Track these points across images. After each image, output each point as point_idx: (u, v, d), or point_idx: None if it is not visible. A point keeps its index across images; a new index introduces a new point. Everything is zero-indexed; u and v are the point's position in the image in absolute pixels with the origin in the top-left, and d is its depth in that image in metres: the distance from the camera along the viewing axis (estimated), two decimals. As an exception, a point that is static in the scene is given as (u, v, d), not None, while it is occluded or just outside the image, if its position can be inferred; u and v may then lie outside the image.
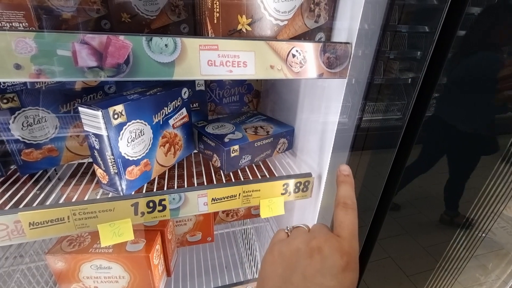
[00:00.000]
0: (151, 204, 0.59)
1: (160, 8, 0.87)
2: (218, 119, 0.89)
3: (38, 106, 0.65)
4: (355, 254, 0.30)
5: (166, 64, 0.45)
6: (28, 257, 0.96)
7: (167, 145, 0.71)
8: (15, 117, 0.62)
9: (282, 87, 0.93)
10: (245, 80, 1.05)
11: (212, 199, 0.63)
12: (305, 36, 0.57)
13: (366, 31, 0.58)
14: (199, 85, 0.84)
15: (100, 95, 0.75)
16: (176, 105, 0.71)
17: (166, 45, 0.44)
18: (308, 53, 0.52)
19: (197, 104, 0.86)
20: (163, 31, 0.89)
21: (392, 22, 0.69)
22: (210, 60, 0.47)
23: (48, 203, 0.59)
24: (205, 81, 0.91)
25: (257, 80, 1.06)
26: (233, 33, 0.50)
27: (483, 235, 0.99)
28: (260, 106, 1.11)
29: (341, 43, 0.53)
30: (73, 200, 0.60)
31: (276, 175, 0.77)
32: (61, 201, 0.59)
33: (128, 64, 0.43)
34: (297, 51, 0.50)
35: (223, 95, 1.04)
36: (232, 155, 0.72)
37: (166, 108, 0.67)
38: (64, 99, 0.69)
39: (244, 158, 0.75)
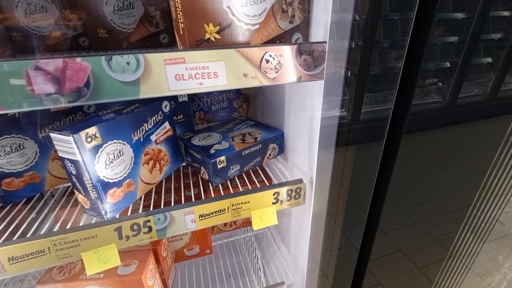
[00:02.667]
0: (135, 227, 0.57)
1: (137, 20, 0.85)
2: (205, 129, 0.87)
3: (15, 133, 0.63)
4: None
5: (131, 83, 0.42)
6: (26, 283, 0.95)
7: (151, 162, 0.68)
8: (-10, 148, 0.60)
9: (269, 90, 0.90)
10: (232, 85, 1.02)
11: (200, 215, 0.61)
12: (281, 38, 0.54)
13: (343, 24, 0.55)
14: (181, 96, 0.81)
15: (79, 116, 0.73)
16: (157, 120, 0.69)
17: (128, 63, 0.41)
18: (283, 57, 0.49)
19: (181, 115, 0.84)
20: (142, 43, 0.87)
21: (374, 11, 0.66)
22: (177, 74, 0.44)
23: (31, 232, 0.57)
24: (189, 90, 0.88)
25: (244, 84, 1.03)
26: (201, 43, 0.48)
27: (491, 225, 0.95)
28: (251, 110, 1.08)
29: (317, 42, 0.50)
30: (56, 228, 0.58)
31: (267, 184, 0.74)
32: (42, 232, 0.57)
33: (89, 87, 0.41)
34: (270, 56, 0.48)
35: (211, 102, 1.02)
36: (219, 166, 0.69)
37: (146, 124, 0.65)
38: (42, 123, 0.67)
39: (233, 169, 0.72)
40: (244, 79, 0.47)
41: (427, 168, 0.82)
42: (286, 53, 0.48)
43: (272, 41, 0.53)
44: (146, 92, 0.43)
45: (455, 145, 0.84)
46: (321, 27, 0.53)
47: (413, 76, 0.59)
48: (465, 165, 0.88)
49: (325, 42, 0.50)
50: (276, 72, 0.49)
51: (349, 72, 0.64)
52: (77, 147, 0.50)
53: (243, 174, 0.78)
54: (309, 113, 0.65)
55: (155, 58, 0.42)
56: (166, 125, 0.72)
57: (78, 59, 0.39)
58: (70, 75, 0.39)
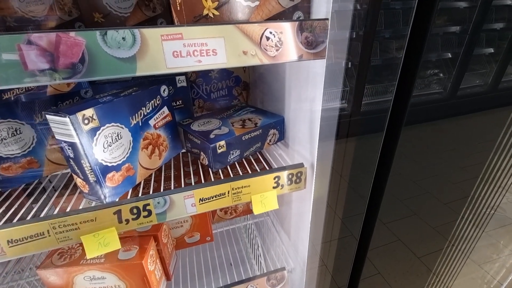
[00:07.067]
0: (135, 211, 0.56)
1: (134, 4, 0.83)
2: (204, 115, 0.85)
3: (11, 118, 0.62)
4: None
5: (127, 60, 0.41)
6: (28, 271, 0.95)
7: (150, 147, 0.67)
8: (-14, 132, 0.59)
9: (269, 76, 0.89)
10: (232, 72, 1.01)
11: (200, 199, 0.60)
12: (282, 16, 0.53)
13: (345, 7, 0.53)
14: (180, 82, 0.80)
15: (76, 101, 0.72)
16: (156, 104, 0.67)
17: (123, 38, 0.40)
18: (284, 34, 0.47)
19: (180, 101, 0.82)
20: (139, 28, 0.85)
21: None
22: (175, 51, 0.43)
23: (30, 216, 0.56)
24: (188, 76, 0.87)
25: (244, 71, 1.02)
26: (199, 19, 0.46)
27: (492, 211, 0.95)
28: (250, 98, 1.06)
29: (318, 19, 0.48)
30: (55, 211, 0.58)
31: (267, 168, 0.73)
32: (42, 214, 0.57)
33: (84, 63, 0.39)
34: (271, 32, 0.46)
35: (210, 90, 1.00)
36: (219, 151, 0.68)
37: (144, 108, 0.64)
38: (38, 108, 0.66)
39: (233, 154, 0.72)
40: (244, 57, 0.46)
41: (426, 159, 0.82)
42: (287, 30, 0.47)
43: (273, 19, 0.52)
44: (143, 69, 0.42)
45: (455, 136, 0.83)
46: (323, 5, 0.51)
47: (414, 67, 0.58)
48: (465, 156, 0.87)
49: (327, 19, 0.49)
50: (277, 50, 0.48)
51: (349, 62, 0.62)
52: (74, 129, 0.50)
53: (243, 159, 0.78)
54: (310, 100, 0.64)
55: (152, 34, 0.41)
56: (165, 110, 0.71)
57: (72, 34, 0.38)
58: (64, 50, 0.38)
